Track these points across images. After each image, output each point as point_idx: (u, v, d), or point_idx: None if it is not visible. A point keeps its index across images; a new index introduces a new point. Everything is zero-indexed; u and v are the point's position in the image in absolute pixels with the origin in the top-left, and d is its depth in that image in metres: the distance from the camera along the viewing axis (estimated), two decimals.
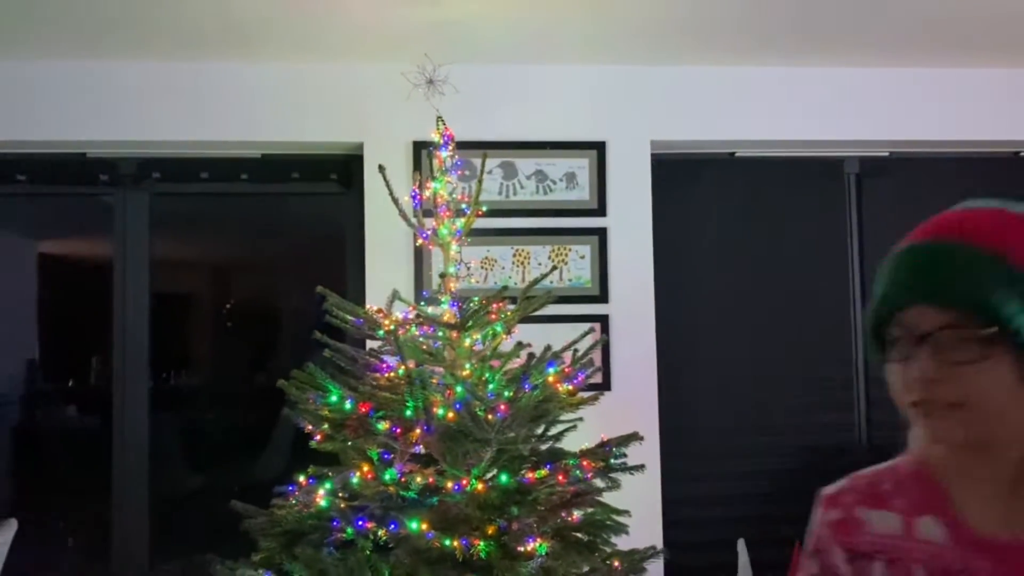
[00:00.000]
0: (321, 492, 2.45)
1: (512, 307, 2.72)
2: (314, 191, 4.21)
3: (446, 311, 2.72)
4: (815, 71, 4.16)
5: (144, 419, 4.03)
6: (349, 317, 2.71)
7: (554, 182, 4.03)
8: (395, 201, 2.82)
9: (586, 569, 2.44)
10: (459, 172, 2.95)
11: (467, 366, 2.62)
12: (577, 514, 2.53)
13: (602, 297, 4.00)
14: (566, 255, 4.00)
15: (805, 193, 4.35)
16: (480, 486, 2.41)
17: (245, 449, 4.73)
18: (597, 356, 3.59)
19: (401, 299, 2.90)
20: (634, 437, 2.60)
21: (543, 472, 2.49)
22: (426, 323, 2.67)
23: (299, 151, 4.10)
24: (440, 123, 2.92)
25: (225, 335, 5.30)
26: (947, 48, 3.98)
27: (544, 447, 2.65)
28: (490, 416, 2.41)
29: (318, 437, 2.55)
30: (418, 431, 2.40)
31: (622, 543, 2.57)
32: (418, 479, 2.45)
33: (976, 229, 0.95)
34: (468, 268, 3.03)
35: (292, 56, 3.88)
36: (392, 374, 2.63)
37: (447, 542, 2.29)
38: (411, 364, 2.50)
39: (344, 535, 2.36)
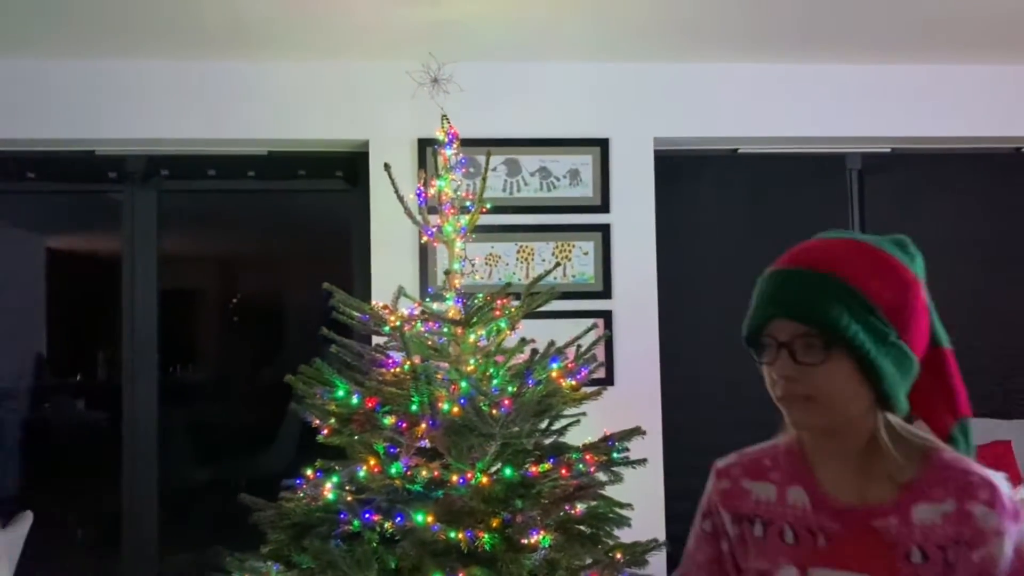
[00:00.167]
0: (328, 485, 2.48)
1: (516, 303, 2.75)
2: (320, 188, 4.25)
3: (451, 307, 2.75)
4: (817, 68, 4.18)
5: (153, 413, 4.08)
6: (355, 313, 2.75)
7: (558, 179, 4.06)
8: (400, 199, 2.85)
9: (589, 561, 2.47)
10: (463, 169, 2.97)
11: (471, 362, 2.65)
12: (580, 507, 2.55)
13: (605, 293, 4.03)
14: (570, 251, 4.03)
15: (807, 189, 4.37)
16: (484, 479, 2.44)
17: (252, 443, 4.77)
18: (600, 352, 3.62)
19: (406, 295, 2.94)
20: (636, 432, 2.63)
21: (547, 466, 2.52)
22: (431, 319, 2.70)
23: (305, 149, 4.14)
24: (445, 121, 2.95)
25: (232, 330, 5.34)
26: (949, 45, 4.00)
27: (547, 441, 2.69)
28: (494, 411, 2.44)
29: (325, 431, 2.58)
30: (424, 425, 2.43)
31: (624, 536, 2.60)
32: (423, 473, 2.48)
33: (823, 257, 1.16)
34: (472, 265, 3.07)
35: (298, 55, 3.92)
36: (398, 369, 2.66)
37: (452, 534, 2.32)
38: (416, 360, 2.53)
39: (351, 527, 2.40)
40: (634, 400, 3.84)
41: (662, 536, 3.35)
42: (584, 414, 2.75)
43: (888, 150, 4.40)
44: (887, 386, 1.13)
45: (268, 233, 4.77)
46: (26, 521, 2.50)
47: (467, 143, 3.05)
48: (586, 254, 4.04)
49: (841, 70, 4.19)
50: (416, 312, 2.74)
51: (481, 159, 3.18)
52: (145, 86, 3.93)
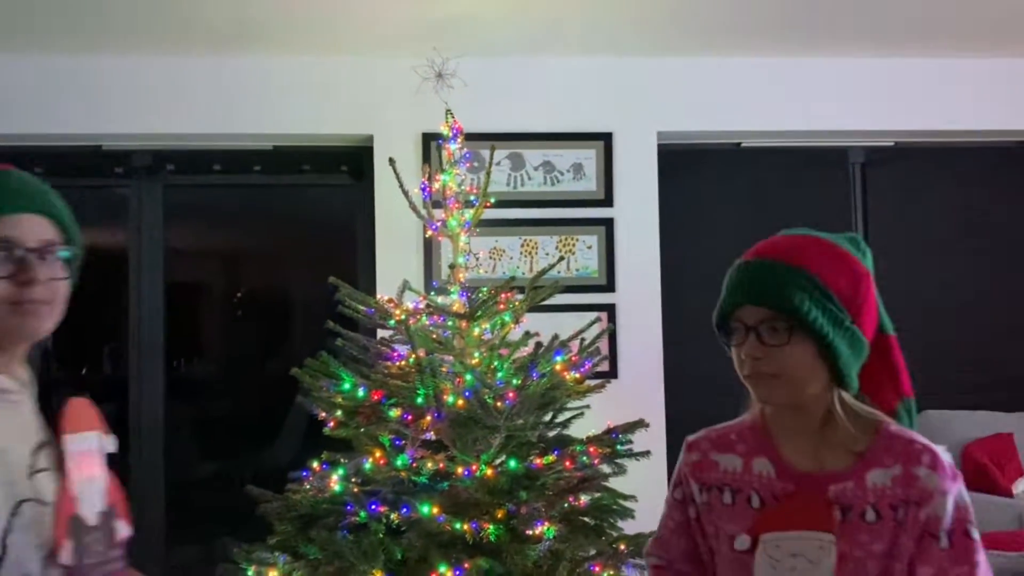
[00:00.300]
0: (335, 477, 2.51)
1: (520, 297, 2.77)
2: (325, 183, 4.27)
3: (455, 301, 2.78)
4: (820, 62, 4.19)
5: (160, 406, 4.12)
6: (361, 307, 2.77)
7: (561, 173, 4.08)
8: (405, 193, 2.87)
9: (593, 552, 2.49)
10: (467, 164, 2.99)
11: (476, 355, 2.67)
12: (584, 499, 2.57)
13: (609, 286, 4.05)
14: (573, 245, 4.05)
15: (810, 183, 4.39)
16: (489, 471, 2.47)
17: (258, 436, 4.80)
18: (604, 345, 3.64)
19: (411, 289, 2.96)
20: (640, 424, 2.65)
21: (551, 458, 2.54)
22: (436, 313, 2.72)
23: (310, 143, 4.16)
24: (449, 116, 2.97)
25: (237, 324, 5.36)
26: (952, 38, 4.01)
27: (552, 434, 2.71)
28: (499, 403, 2.47)
29: (331, 424, 2.60)
30: (429, 418, 2.46)
31: (628, 527, 2.63)
32: (429, 465, 2.51)
33: (787, 251, 1.30)
34: (477, 259, 3.08)
35: (303, 50, 3.94)
36: (403, 362, 2.68)
37: (458, 525, 2.35)
38: (422, 353, 2.56)
39: (358, 519, 2.43)
40: (637, 393, 3.86)
41: None
42: (588, 407, 2.77)
43: (891, 144, 4.41)
44: (842, 365, 1.27)
45: (273, 227, 4.79)
46: None
47: (471, 137, 3.07)
48: (590, 248, 4.06)
49: (844, 64, 4.20)
50: (421, 306, 2.77)
51: (485, 153, 3.20)
52: (151, 82, 3.96)
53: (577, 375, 2.71)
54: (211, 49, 3.91)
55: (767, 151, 4.36)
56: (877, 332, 1.38)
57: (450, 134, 2.95)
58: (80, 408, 1.25)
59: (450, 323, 2.72)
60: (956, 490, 1.24)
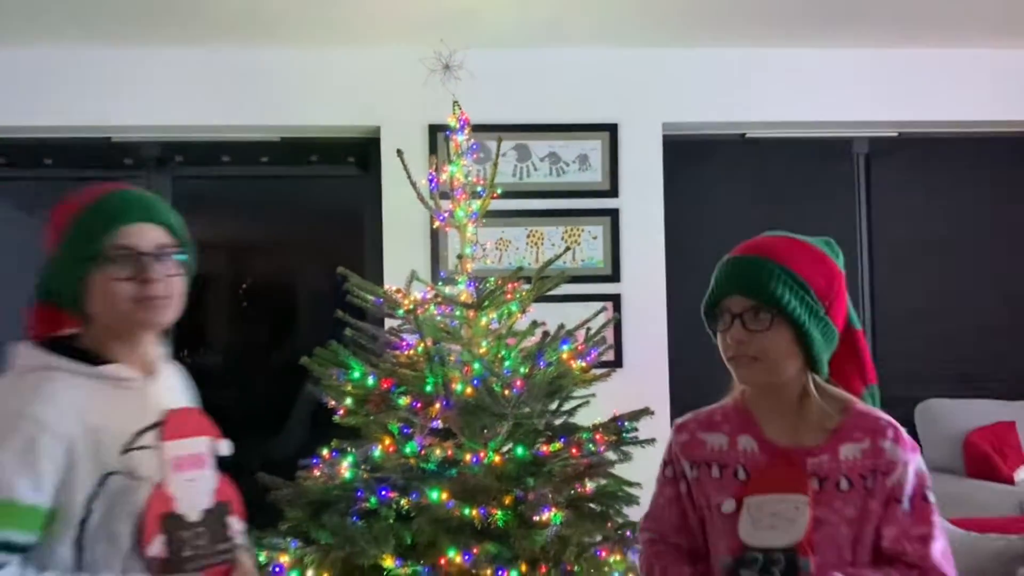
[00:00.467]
0: (345, 464, 2.54)
1: (527, 287, 2.79)
2: (332, 174, 4.31)
3: (463, 291, 2.80)
4: (824, 52, 4.21)
5: None
6: (369, 297, 2.80)
7: (567, 164, 4.11)
8: (413, 184, 2.89)
9: (599, 538, 2.53)
10: (474, 155, 3.01)
11: (483, 344, 2.70)
12: (590, 485, 2.60)
13: (614, 276, 4.08)
14: (579, 236, 4.08)
15: (815, 173, 4.41)
16: (497, 458, 2.50)
17: (264, 425, 4.83)
18: (609, 334, 3.67)
19: (419, 279, 2.99)
20: (645, 412, 2.68)
21: (557, 445, 2.58)
22: (444, 303, 2.75)
23: (318, 135, 4.19)
24: (456, 107, 2.98)
25: (244, 314, 5.39)
26: (956, 29, 4.02)
27: (558, 422, 2.74)
28: (507, 391, 2.50)
29: (341, 412, 2.64)
30: (438, 406, 2.49)
31: (633, 513, 2.65)
32: (437, 452, 2.54)
33: (771, 249, 1.46)
34: (484, 249, 3.11)
35: (311, 42, 3.96)
36: (411, 351, 2.70)
37: (466, 511, 2.38)
38: (430, 342, 2.59)
39: (368, 505, 2.46)
40: (642, 381, 3.89)
41: None
42: (593, 395, 2.80)
43: (895, 134, 4.43)
44: (815, 351, 1.42)
45: (280, 218, 4.82)
46: None
47: (477, 128, 3.08)
48: (595, 238, 4.09)
49: (848, 55, 4.21)
50: (429, 296, 2.79)
51: (491, 144, 3.22)
52: (160, 73, 3.99)
53: (583, 364, 2.74)
54: (219, 41, 3.94)
55: (772, 142, 4.38)
56: (846, 326, 1.52)
57: (457, 125, 2.96)
58: (186, 416, 1.42)
59: (458, 313, 2.75)
60: (916, 460, 1.42)
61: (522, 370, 2.60)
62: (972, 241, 4.44)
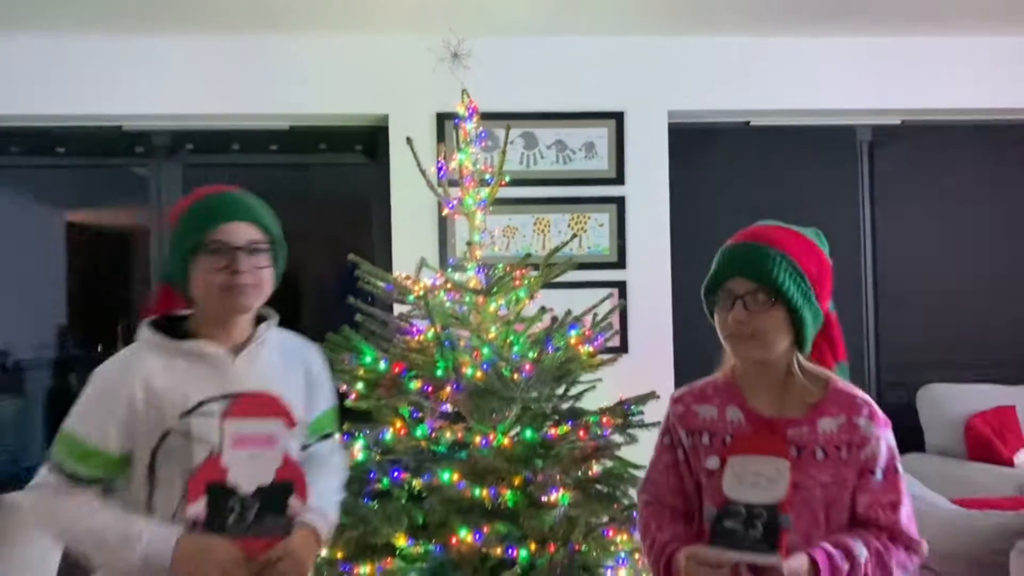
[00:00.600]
0: (358, 446, 2.60)
1: (535, 274, 2.84)
2: (340, 162, 4.35)
3: (472, 277, 2.85)
4: (828, 41, 4.24)
5: None
6: (380, 283, 2.85)
7: (573, 152, 4.14)
8: (423, 172, 2.93)
9: (605, 519, 2.58)
10: (483, 143, 3.04)
11: (492, 329, 2.75)
12: (597, 467, 2.65)
13: (620, 263, 4.13)
14: (585, 223, 4.12)
15: (818, 161, 4.45)
16: (506, 441, 2.56)
17: None
18: (615, 320, 3.72)
19: (428, 266, 3.04)
20: (651, 396, 2.73)
21: (565, 428, 2.63)
22: (454, 289, 2.79)
23: (326, 123, 4.23)
24: (465, 96, 3.01)
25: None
26: (959, 17, 4.05)
27: (565, 406, 2.80)
28: (516, 376, 2.55)
29: (352, 396, 2.69)
30: (448, 389, 2.55)
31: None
32: (447, 435, 2.60)
33: (769, 237, 1.58)
34: (492, 237, 3.14)
35: (320, 31, 4.00)
36: (421, 337, 2.75)
37: (477, 491, 2.44)
38: (440, 327, 2.63)
39: (380, 486, 2.52)
40: (648, 366, 3.94)
41: None
42: (600, 380, 2.85)
43: (898, 122, 4.46)
44: (805, 331, 1.56)
45: (289, 205, 4.84)
46: None
47: (484, 117, 3.11)
48: (601, 226, 4.13)
49: (852, 43, 4.24)
50: (439, 282, 2.84)
51: (498, 132, 3.26)
52: (170, 63, 4.03)
53: (590, 349, 2.78)
54: (229, 30, 3.98)
55: (776, 130, 4.41)
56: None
57: (466, 114, 2.99)
58: (258, 399, 1.58)
59: (467, 299, 2.79)
60: (888, 435, 1.56)
61: (531, 355, 2.65)
62: (974, 228, 4.47)
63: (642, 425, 2.71)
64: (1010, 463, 3.80)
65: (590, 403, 2.81)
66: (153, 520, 1.53)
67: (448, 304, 2.82)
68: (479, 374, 2.55)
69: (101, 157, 4.29)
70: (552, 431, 2.63)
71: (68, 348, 8.40)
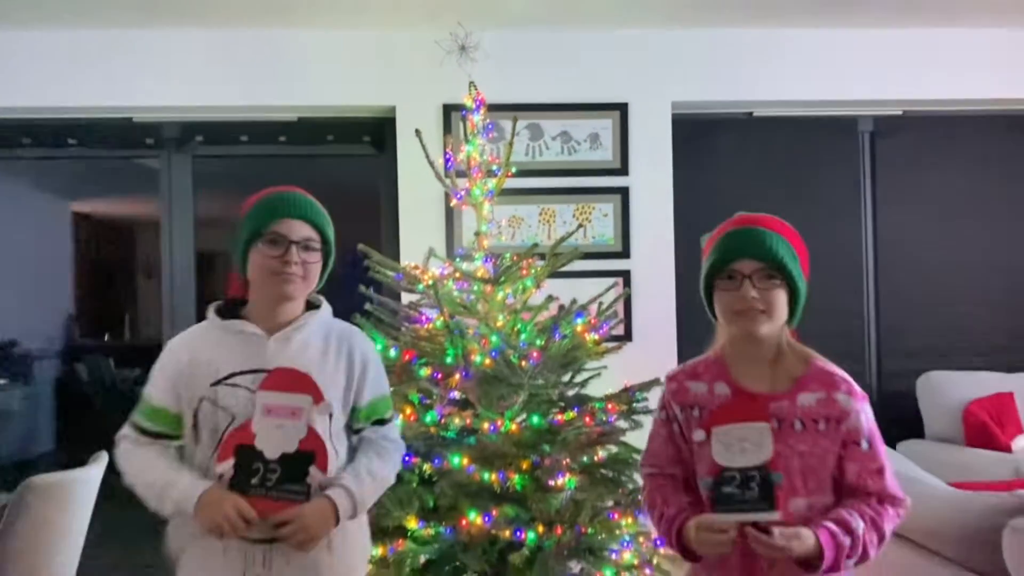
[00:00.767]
0: None
1: (541, 263, 2.89)
2: (348, 153, 4.40)
3: (480, 267, 2.90)
4: (830, 32, 4.28)
5: None
6: (390, 273, 2.90)
7: (578, 143, 4.19)
8: (431, 163, 2.98)
9: (610, 502, 2.65)
10: (489, 135, 3.09)
11: (500, 317, 2.81)
12: (602, 452, 2.72)
13: (624, 253, 4.18)
14: (590, 213, 4.18)
15: (820, 151, 4.49)
16: (514, 427, 2.62)
17: None
18: (620, 308, 3.76)
19: (436, 255, 3.09)
20: (655, 383, 2.78)
21: (571, 414, 2.69)
22: (462, 278, 2.85)
23: (334, 114, 4.28)
24: (472, 88, 3.06)
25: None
26: (960, 7, 4.08)
27: (571, 392, 2.86)
28: (523, 363, 2.61)
29: None
30: (457, 376, 2.61)
31: None
32: (456, 421, 2.66)
33: (770, 223, 1.72)
34: (499, 227, 3.19)
35: (328, 24, 4.05)
36: (431, 325, 2.81)
37: (486, 475, 2.51)
38: (448, 316, 2.69)
39: None
40: (651, 354, 3.97)
41: None
42: (605, 367, 2.91)
43: (899, 112, 4.50)
44: (799, 307, 1.70)
45: None
46: (102, 461, 2.70)
47: (490, 108, 3.16)
48: (606, 216, 4.18)
49: (854, 34, 4.28)
50: (447, 271, 2.89)
51: (504, 123, 3.30)
52: (180, 55, 4.08)
53: (596, 337, 2.84)
54: (238, 23, 4.03)
55: (778, 120, 4.46)
56: None
57: (473, 106, 3.04)
58: (290, 375, 1.73)
59: (475, 288, 2.85)
60: (866, 407, 1.67)
61: (538, 342, 2.71)
62: (974, 217, 4.52)
63: (646, 411, 2.76)
64: (1007, 448, 3.86)
65: (595, 390, 2.87)
66: (191, 474, 1.72)
67: (457, 293, 2.87)
68: (487, 361, 2.61)
69: (112, 149, 4.34)
70: (559, 417, 2.69)
71: (76, 338, 8.48)
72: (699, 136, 4.39)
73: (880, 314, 4.48)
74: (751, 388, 1.69)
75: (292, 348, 1.79)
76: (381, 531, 2.49)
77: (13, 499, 2.35)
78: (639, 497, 2.64)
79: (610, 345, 2.90)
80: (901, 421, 4.32)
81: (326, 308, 1.90)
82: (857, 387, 1.68)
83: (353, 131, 4.34)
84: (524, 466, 2.56)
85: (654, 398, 2.77)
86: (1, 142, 4.25)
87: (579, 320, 2.80)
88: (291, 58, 4.11)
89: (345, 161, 4.51)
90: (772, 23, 4.21)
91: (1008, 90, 4.37)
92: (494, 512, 2.47)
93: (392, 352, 2.67)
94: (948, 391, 4.20)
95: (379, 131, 4.30)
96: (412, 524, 2.51)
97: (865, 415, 1.66)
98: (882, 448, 1.66)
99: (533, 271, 2.87)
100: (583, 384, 2.90)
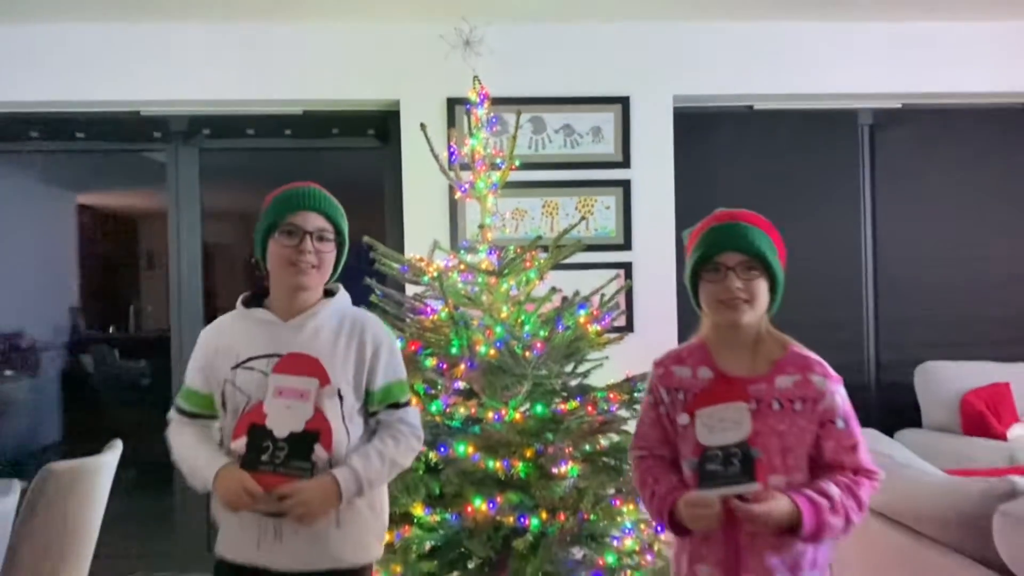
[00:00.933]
0: None
1: (544, 255, 2.94)
2: (353, 146, 4.44)
3: (484, 259, 2.95)
4: (830, 26, 4.32)
5: None
6: (395, 265, 2.95)
7: (581, 136, 4.24)
8: (436, 157, 3.02)
9: (612, 490, 2.70)
10: (493, 128, 3.12)
11: (504, 309, 2.85)
12: (604, 441, 2.76)
13: (626, 245, 4.23)
14: (592, 206, 4.22)
15: (820, 144, 4.53)
16: (517, 416, 2.67)
17: None
18: (621, 300, 3.81)
19: (441, 248, 3.14)
20: None
21: (574, 404, 2.74)
22: (467, 270, 2.89)
23: (339, 108, 4.32)
24: (476, 82, 3.10)
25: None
26: (959, 2, 4.12)
27: (574, 382, 2.91)
28: (527, 353, 2.66)
29: None
30: (462, 367, 2.66)
31: None
32: (461, 410, 2.71)
33: (752, 219, 1.81)
34: (503, 219, 3.23)
35: (333, 18, 4.09)
36: (436, 316, 2.86)
37: (490, 463, 2.56)
38: (453, 307, 2.73)
39: None
40: (652, 344, 3.99)
41: None
42: (607, 357, 2.96)
43: (899, 106, 4.54)
44: (778, 296, 1.81)
45: None
46: (117, 449, 2.77)
47: (494, 102, 3.19)
48: (608, 208, 4.23)
49: (853, 28, 4.32)
50: (452, 263, 2.94)
51: (507, 117, 3.33)
52: (187, 49, 4.12)
53: (598, 328, 2.89)
54: (244, 18, 4.07)
55: (779, 113, 4.49)
56: None
57: (477, 100, 3.07)
58: (300, 359, 1.83)
59: (480, 280, 2.89)
60: (840, 388, 1.77)
61: (541, 333, 2.76)
62: (973, 210, 4.56)
63: None
64: (1003, 437, 3.91)
65: (598, 380, 2.92)
66: (216, 453, 1.87)
67: (461, 285, 2.92)
68: (492, 352, 2.66)
69: (119, 142, 4.38)
70: (562, 406, 2.74)
71: (81, 330, 8.52)
72: (700, 129, 4.42)
73: (879, 305, 4.53)
74: (732, 372, 1.78)
75: (305, 334, 1.89)
76: (388, 518, 2.54)
77: (33, 485, 2.41)
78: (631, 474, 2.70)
79: (612, 336, 2.95)
80: (899, 410, 4.38)
81: (342, 296, 1.99)
82: (832, 370, 1.77)
83: (358, 124, 4.38)
84: (528, 454, 2.61)
85: None
86: (10, 135, 4.30)
87: (582, 311, 2.84)
88: (297, 52, 4.15)
89: (350, 154, 4.56)
90: (773, 17, 4.25)
91: (1007, 83, 4.41)
92: (498, 499, 2.52)
93: (398, 343, 2.72)
94: (945, 381, 4.25)
95: (384, 125, 4.35)
96: (418, 511, 2.56)
97: (840, 396, 1.76)
98: (856, 427, 1.76)
99: (536, 263, 2.91)
100: (586, 374, 2.95)
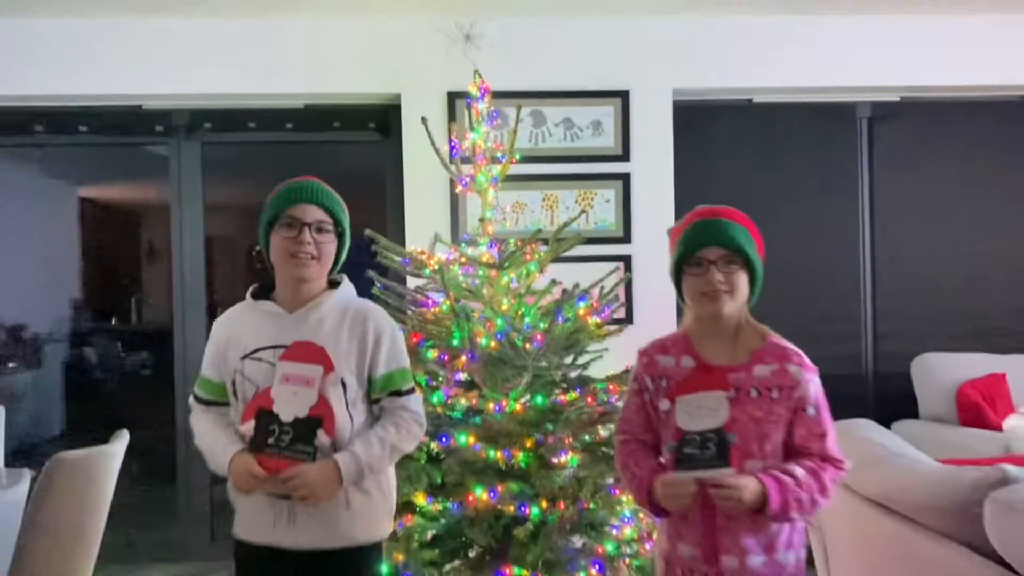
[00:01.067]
0: None
1: (544, 248, 2.97)
2: (354, 139, 4.47)
3: (485, 252, 2.98)
4: (829, 19, 4.34)
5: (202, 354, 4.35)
6: (396, 258, 2.98)
7: (581, 129, 4.26)
8: (437, 151, 3.05)
9: (611, 480, 2.74)
10: (494, 122, 3.15)
11: (504, 301, 2.88)
12: (603, 431, 2.79)
13: (626, 238, 4.26)
14: (592, 199, 4.25)
15: (819, 136, 4.55)
16: (518, 407, 2.71)
17: None
18: (621, 292, 3.84)
19: (442, 241, 3.17)
20: None
21: (574, 395, 2.78)
22: (468, 263, 2.93)
23: (340, 102, 4.34)
24: (477, 76, 3.12)
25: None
26: None
27: (574, 374, 2.94)
28: (527, 345, 2.70)
29: None
30: (463, 358, 2.69)
31: None
32: (462, 401, 2.75)
33: (733, 215, 1.91)
34: (503, 213, 3.26)
35: (334, 12, 4.11)
36: (437, 309, 2.89)
37: (491, 453, 2.59)
38: (454, 299, 2.77)
39: None
40: (651, 337, 4.01)
41: None
42: (606, 349, 2.99)
43: (897, 99, 4.56)
44: (757, 289, 1.89)
45: None
46: (124, 439, 2.81)
47: (494, 96, 3.21)
48: (607, 201, 4.25)
49: (852, 21, 4.34)
50: (453, 256, 2.97)
51: (507, 111, 3.35)
52: (189, 44, 4.14)
53: (598, 320, 2.92)
54: (246, 12, 4.09)
55: (778, 106, 4.52)
56: None
57: (478, 94, 3.10)
58: (306, 347, 1.90)
59: (480, 272, 2.93)
60: (815, 379, 1.85)
61: (541, 325, 2.79)
62: (971, 203, 4.59)
63: None
64: (998, 428, 3.94)
65: (597, 371, 2.95)
66: (230, 439, 1.94)
67: (462, 277, 2.95)
68: (493, 344, 2.70)
69: (122, 136, 4.41)
70: (561, 397, 2.78)
71: (83, 322, 8.57)
72: (699, 122, 4.45)
73: (876, 296, 4.56)
74: (713, 361, 1.87)
75: (308, 324, 1.95)
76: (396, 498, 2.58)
77: (42, 475, 2.45)
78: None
79: (611, 328, 2.99)
80: (896, 401, 4.41)
81: (345, 287, 2.05)
82: (808, 361, 1.85)
83: (359, 118, 4.41)
84: (528, 444, 2.65)
85: None
86: (13, 129, 4.32)
87: (581, 304, 2.88)
88: (298, 47, 4.18)
89: (351, 148, 4.58)
90: (771, 11, 4.27)
91: (1005, 76, 4.43)
92: (499, 488, 2.56)
93: (401, 332, 2.75)
94: (942, 372, 4.29)
95: (385, 118, 4.37)
96: (420, 500, 2.60)
97: (815, 385, 1.83)
98: (827, 416, 1.83)
99: (537, 256, 2.94)
100: (585, 366, 2.99)
